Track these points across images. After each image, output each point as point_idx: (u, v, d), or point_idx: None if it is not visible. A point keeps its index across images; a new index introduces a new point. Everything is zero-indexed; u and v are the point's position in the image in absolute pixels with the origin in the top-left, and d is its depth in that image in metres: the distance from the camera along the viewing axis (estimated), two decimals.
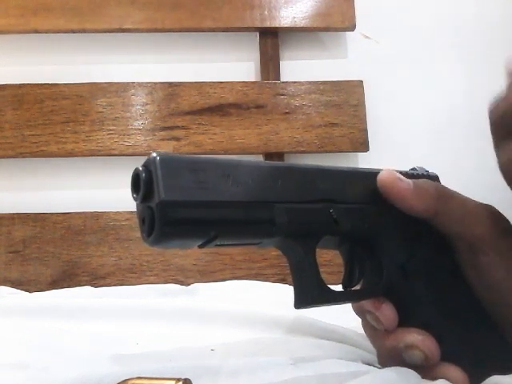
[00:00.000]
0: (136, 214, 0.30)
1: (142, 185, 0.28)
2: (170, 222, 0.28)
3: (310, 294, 0.33)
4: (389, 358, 0.35)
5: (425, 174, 0.41)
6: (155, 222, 0.28)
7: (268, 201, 0.31)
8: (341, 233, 0.35)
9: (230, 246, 0.32)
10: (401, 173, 0.39)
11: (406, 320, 0.35)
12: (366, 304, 0.35)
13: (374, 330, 0.36)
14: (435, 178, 0.41)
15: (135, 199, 0.29)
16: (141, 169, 0.29)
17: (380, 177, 0.36)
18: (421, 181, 0.36)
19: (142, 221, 0.29)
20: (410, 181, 0.36)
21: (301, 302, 0.33)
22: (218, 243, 0.30)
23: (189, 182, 0.29)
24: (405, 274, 0.36)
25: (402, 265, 0.36)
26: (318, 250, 0.34)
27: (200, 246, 0.30)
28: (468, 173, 0.95)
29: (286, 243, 0.33)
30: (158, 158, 0.28)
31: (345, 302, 0.35)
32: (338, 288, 0.37)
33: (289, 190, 0.33)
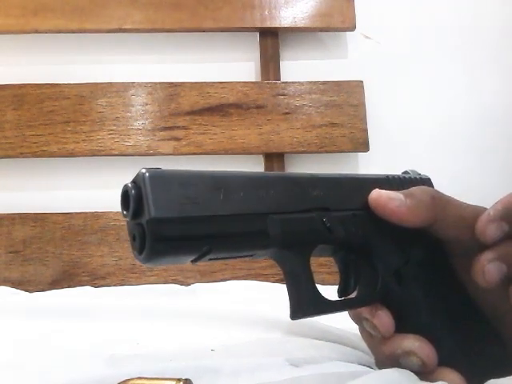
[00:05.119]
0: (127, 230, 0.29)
1: (131, 202, 0.27)
2: (160, 239, 0.27)
3: (306, 304, 0.32)
4: (387, 364, 0.35)
5: (417, 177, 0.40)
6: (146, 240, 0.27)
7: (261, 212, 0.31)
8: (335, 241, 0.34)
9: (224, 259, 0.31)
10: (393, 177, 0.39)
11: (402, 326, 0.34)
12: (363, 311, 0.35)
13: (371, 336, 0.36)
14: (427, 181, 0.41)
15: (125, 216, 0.28)
16: (130, 185, 0.28)
17: (370, 199, 0.35)
18: (415, 190, 0.36)
19: (133, 238, 0.28)
20: (402, 196, 0.35)
21: (297, 312, 0.33)
22: (212, 257, 0.30)
23: (179, 197, 0.28)
24: (400, 280, 0.35)
25: (397, 271, 0.35)
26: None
27: (193, 261, 0.29)
28: (468, 173, 0.95)
29: (280, 254, 0.33)
30: (147, 174, 0.27)
31: (341, 311, 0.35)
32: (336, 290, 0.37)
33: (281, 200, 0.32)
